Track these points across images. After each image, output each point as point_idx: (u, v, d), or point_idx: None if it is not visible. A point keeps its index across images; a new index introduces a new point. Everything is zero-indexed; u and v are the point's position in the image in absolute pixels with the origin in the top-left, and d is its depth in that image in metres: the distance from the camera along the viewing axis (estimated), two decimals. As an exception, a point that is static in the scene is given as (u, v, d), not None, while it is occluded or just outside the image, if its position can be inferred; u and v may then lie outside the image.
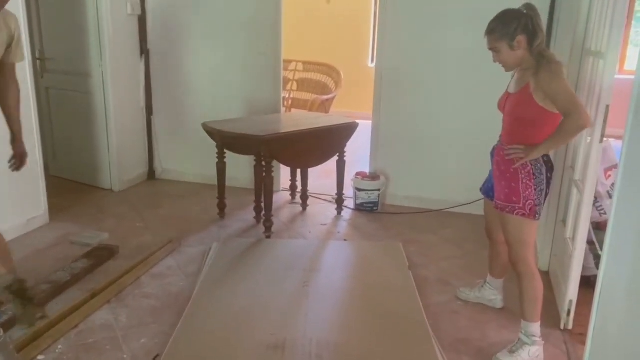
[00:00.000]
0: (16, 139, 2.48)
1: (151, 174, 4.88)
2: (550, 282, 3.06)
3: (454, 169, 4.17)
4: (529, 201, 2.24)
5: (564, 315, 2.62)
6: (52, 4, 4.35)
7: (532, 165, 2.23)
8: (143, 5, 4.49)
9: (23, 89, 3.39)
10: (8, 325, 2.33)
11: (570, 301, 2.57)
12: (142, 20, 4.51)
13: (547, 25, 3.49)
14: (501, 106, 2.40)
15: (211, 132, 3.70)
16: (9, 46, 2.32)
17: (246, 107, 4.52)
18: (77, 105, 4.43)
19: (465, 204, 4.03)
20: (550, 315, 2.68)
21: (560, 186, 3.09)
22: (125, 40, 4.41)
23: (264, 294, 2.90)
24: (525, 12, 2.20)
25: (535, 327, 2.35)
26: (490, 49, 2.26)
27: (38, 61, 4.38)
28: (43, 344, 2.35)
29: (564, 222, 2.95)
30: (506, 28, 2.18)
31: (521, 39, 2.18)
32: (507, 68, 2.30)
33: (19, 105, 2.46)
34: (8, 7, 2.25)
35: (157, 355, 2.34)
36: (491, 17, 2.26)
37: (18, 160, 2.49)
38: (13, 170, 2.48)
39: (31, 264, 3.11)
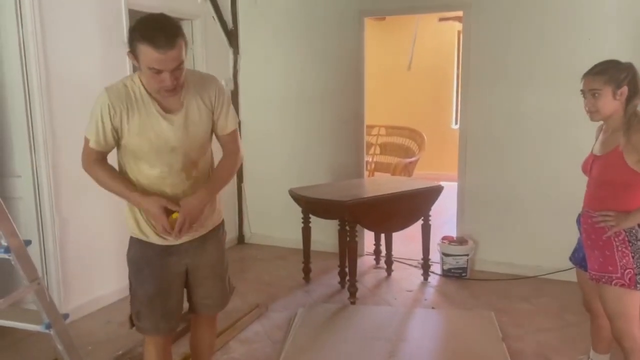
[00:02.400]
0: (190, 198, 1.98)
1: (240, 238, 5.07)
2: (666, 360, 2.75)
3: (547, 232, 3.96)
4: (628, 270, 2.08)
5: (684, 399, 2.33)
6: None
7: (626, 232, 2.09)
8: (236, 81, 4.83)
9: None
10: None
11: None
12: (234, 95, 4.84)
13: None
14: (586, 169, 2.28)
15: (297, 197, 3.81)
16: (213, 116, 2.03)
17: (330, 173, 4.64)
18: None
19: (563, 270, 3.78)
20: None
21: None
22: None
23: (349, 363, 2.84)
24: (631, 67, 2.12)
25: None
26: (590, 90, 2.13)
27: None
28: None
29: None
30: (617, 73, 2.09)
31: (625, 90, 2.08)
32: (597, 116, 2.16)
33: (223, 173, 2.11)
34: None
35: None
36: (575, 79, 2.20)
37: (180, 221, 1.95)
38: (175, 237, 2.01)
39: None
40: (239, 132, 2.17)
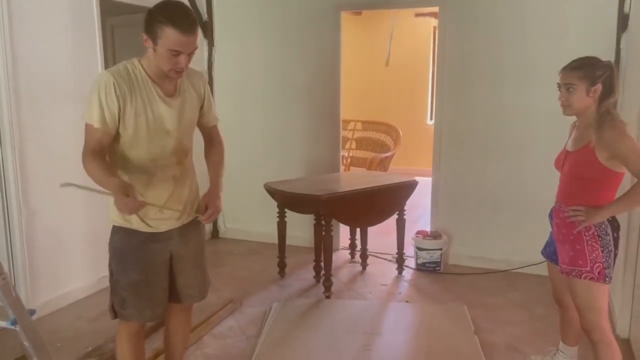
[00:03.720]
0: (211, 189, 2.16)
1: (215, 232, 5.02)
2: (632, 351, 2.82)
3: (519, 227, 4.03)
4: (597, 264, 2.12)
5: (649, 389, 2.40)
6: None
7: (596, 226, 2.12)
8: (210, 73, 4.77)
9: None
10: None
11: (656, 374, 2.36)
12: (209, 87, 4.77)
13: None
14: (559, 165, 2.32)
15: (272, 192, 3.79)
16: (201, 109, 2.17)
17: (306, 167, 4.62)
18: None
19: (533, 264, 3.85)
20: (634, 388, 2.47)
21: (637, 247, 2.90)
22: (193, 106, 4.66)
23: (324, 357, 2.84)
24: (609, 67, 2.14)
25: (615, 400, 2.16)
26: (565, 84, 2.16)
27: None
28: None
29: (644, 285, 2.76)
30: (593, 70, 2.11)
31: (599, 88, 2.11)
32: (569, 111, 2.19)
33: (222, 162, 2.26)
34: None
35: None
36: (550, 76, 2.23)
37: (209, 213, 2.12)
38: (204, 221, 2.16)
39: (101, 324, 3.22)
40: None
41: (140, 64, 1.97)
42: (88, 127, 1.92)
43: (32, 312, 2.21)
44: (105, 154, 1.95)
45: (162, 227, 2.07)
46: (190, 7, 1.95)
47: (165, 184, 2.05)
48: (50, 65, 3.35)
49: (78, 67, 3.53)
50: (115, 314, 2.10)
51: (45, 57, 3.32)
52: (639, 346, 2.73)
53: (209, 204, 2.11)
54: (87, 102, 1.92)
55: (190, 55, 1.92)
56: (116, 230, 2.07)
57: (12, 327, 2.04)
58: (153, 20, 1.85)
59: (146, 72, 1.96)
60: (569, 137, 2.33)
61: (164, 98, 1.99)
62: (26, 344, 2.09)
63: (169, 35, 1.83)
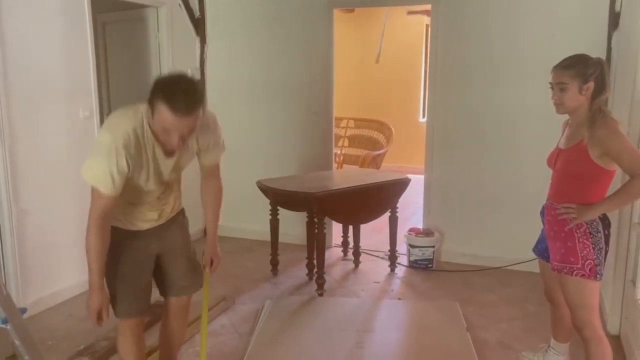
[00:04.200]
0: (208, 242, 2.30)
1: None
2: (622, 347, 2.85)
3: (512, 225, 4.05)
4: (589, 261, 2.13)
5: (639, 384, 2.42)
6: (119, 70, 4.68)
7: (587, 224, 2.14)
8: (202, 70, 4.74)
9: (90, 142, 3.65)
10: None
11: (646, 369, 2.38)
12: (201, 84, 4.75)
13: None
14: (551, 162, 2.33)
15: (264, 189, 3.78)
16: (202, 151, 2.12)
17: (299, 165, 4.61)
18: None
19: (525, 262, 3.87)
20: (624, 384, 2.49)
21: (627, 244, 2.93)
22: (185, 104, 4.64)
23: (317, 354, 2.85)
24: (600, 63, 2.15)
25: (606, 397, 2.18)
26: (557, 83, 2.16)
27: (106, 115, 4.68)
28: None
29: (634, 282, 2.78)
30: (585, 68, 2.11)
31: (591, 85, 2.11)
32: (562, 109, 2.19)
33: (217, 205, 2.29)
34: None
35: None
36: (543, 74, 2.23)
37: (208, 264, 2.30)
38: (211, 273, 2.30)
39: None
40: None
41: (147, 120, 1.88)
42: (95, 192, 1.87)
43: (23, 310, 2.19)
44: (109, 220, 1.94)
45: (145, 226, 2.12)
46: (197, 85, 1.84)
47: (151, 206, 2.10)
48: (41, 62, 3.32)
49: (69, 64, 3.50)
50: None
51: (36, 55, 3.29)
52: (629, 343, 2.76)
53: (212, 257, 2.26)
54: (93, 161, 1.85)
55: (185, 135, 1.84)
56: None
57: (3, 325, 2.03)
58: (155, 90, 1.79)
59: (151, 130, 1.89)
60: (562, 135, 2.34)
61: (164, 158, 1.97)
62: (17, 342, 2.07)
63: (163, 112, 1.76)
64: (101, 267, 1.94)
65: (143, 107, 1.88)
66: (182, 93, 1.76)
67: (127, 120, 1.87)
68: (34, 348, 2.14)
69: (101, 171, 1.83)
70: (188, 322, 2.50)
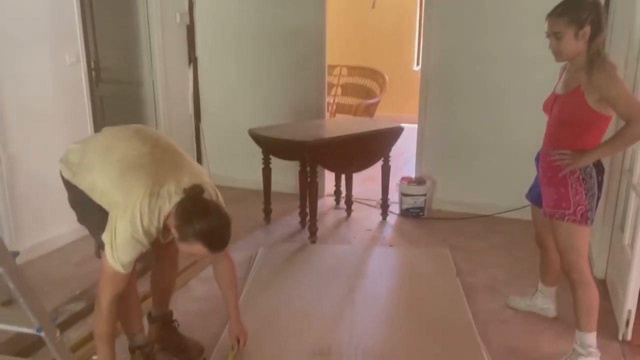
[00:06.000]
0: (231, 320, 2.29)
1: (199, 179, 4.98)
2: (608, 291, 2.93)
3: (502, 173, 4.07)
4: (580, 206, 2.15)
5: (622, 325, 2.50)
6: (105, 16, 4.52)
7: (581, 170, 2.14)
8: (191, 15, 4.61)
9: (79, 98, 3.57)
10: (65, 325, 2.42)
11: (629, 311, 2.45)
12: (190, 30, 4.63)
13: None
14: (547, 108, 2.30)
15: (257, 138, 3.75)
16: None
17: (291, 113, 4.56)
18: (130, 113, 4.59)
19: (516, 209, 3.91)
20: (608, 325, 2.56)
21: (617, 190, 2.95)
22: (175, 50, 4.54)
23: (309, 300, 2.90)
24: (595, 4, 2.09)
25: (591, 338, 2.25)
26: (553, 33, 2.11)
27: (93, 71, 4.56)
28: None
29: (622, 228, 2.82)
30: (578, 14, 2.05)
31: (587, 30, 2.05)
32: (561, 57, 2.15)
33: (232, 284, 2.27)
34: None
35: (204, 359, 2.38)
36: (539, 20, 2.17)
37: (235, 343, 2.28)
38: (239, 349, 2.29)
39: (87, 267, 3.22)
40: None
41: (165, 222, 1.86)
42: (111, 274, 1.87)
43: (15, 254, 2.18)
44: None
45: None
46: (230, 224, 1.90)
47: None
48: (25, 4, 3.21)
49: (53, 6, 3.38)
50: (99, 255, 2.10)
51: (18, -4, 3.17)
52: (614, 286, 2.83)
53: (239, 336, 2.27)
54: (117, 244, 1.83)
55: None
56: (70, 187, 2.08)
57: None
58: (190, 227, 1.78)
59: (164, 224, 1.87)
60: (559, 79, 2.31)
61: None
62: (10, 285, 2.08)
63: (200, 248, 1.81)
64: (113, 352, 1.97)
65: (165, 208, 1.84)
66: (220, 237, 1.85)
67: (147, 219, 1.83)
68: (28, 291, 2.15)
69: (125, 255, 1.84)
70: (177, 270, 2.51)
